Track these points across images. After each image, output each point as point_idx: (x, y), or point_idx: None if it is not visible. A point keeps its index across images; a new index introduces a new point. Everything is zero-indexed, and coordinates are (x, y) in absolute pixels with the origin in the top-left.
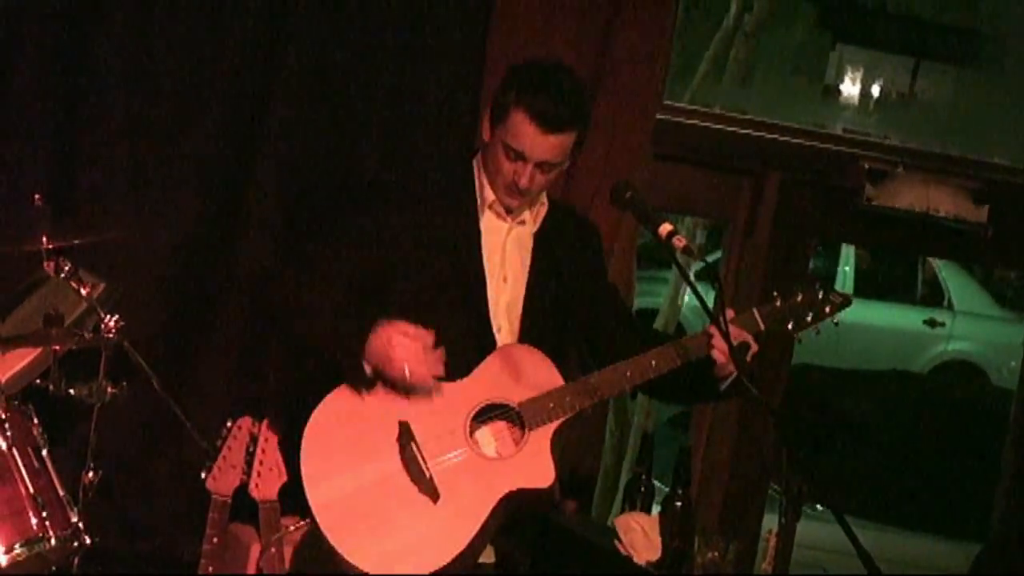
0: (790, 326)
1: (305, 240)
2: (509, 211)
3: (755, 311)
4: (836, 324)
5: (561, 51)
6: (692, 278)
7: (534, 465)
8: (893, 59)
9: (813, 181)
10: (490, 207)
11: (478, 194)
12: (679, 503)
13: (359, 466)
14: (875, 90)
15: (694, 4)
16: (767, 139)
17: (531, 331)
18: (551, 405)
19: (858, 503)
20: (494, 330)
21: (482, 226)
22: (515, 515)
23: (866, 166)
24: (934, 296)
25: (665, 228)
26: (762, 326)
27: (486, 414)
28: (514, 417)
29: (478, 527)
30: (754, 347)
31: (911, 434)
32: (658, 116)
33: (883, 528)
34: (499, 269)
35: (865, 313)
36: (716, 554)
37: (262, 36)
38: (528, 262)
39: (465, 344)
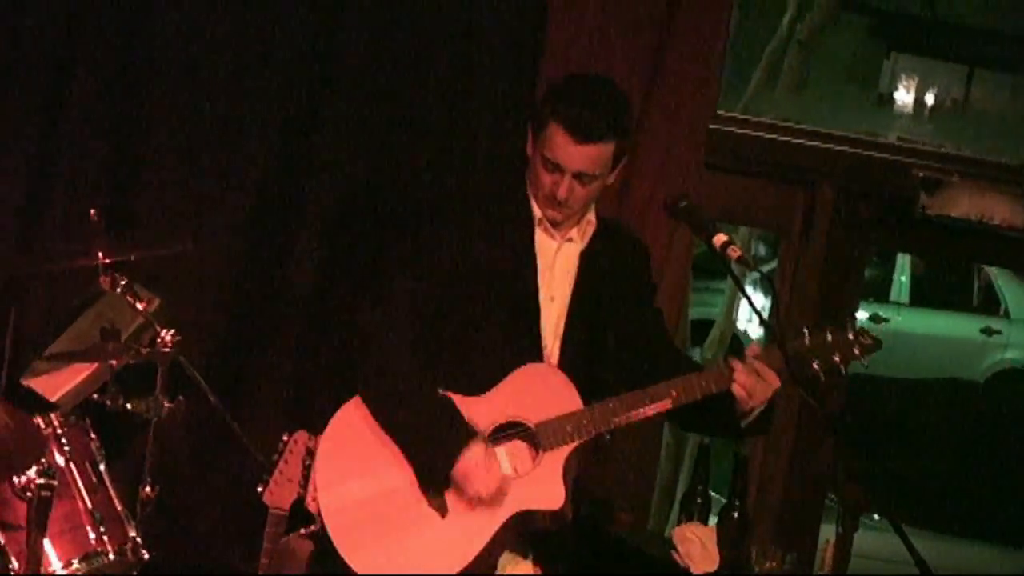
0: (816, 366)
1: (365, 271)
2: (555, 224)
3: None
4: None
5: (616, 63)
6: (747, 288)
7: (545, 486)
8: (947, 67)
9: (867, 190)
10: (539, 224)
11: (530, 211)
12: (736, 514)
13: (372, 475)
14: (929, 98)
15: (747, 13)
16: (821, 148)
17: (570, 351)
18: (568, 428)
19: (915, 512)
20: (544, 349)
21: (537, 244)
22: (524, 533)
23: (920, 175)
24: (990, 304)
25: (720, 238)
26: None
27: (504, 432)
28: (530, 437)
29: (483, 544)
30: (776, 383)
31: (968, 443)
32: (711, 126)
33: (940, 537)
34: (548, 288)
35: (921, 322)
36: (773, 564)
37: (314, 47)
38: (573, 281)
39: (516, 362)
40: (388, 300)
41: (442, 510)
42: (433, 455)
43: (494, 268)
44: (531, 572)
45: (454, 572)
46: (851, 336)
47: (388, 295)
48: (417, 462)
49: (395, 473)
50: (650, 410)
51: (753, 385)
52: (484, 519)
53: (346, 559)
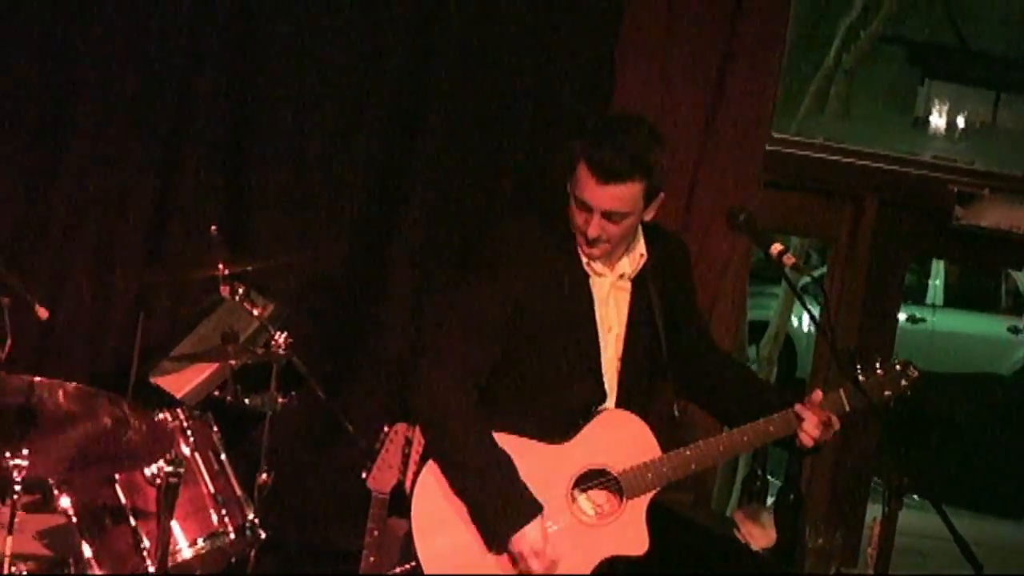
0: (872, 400)
1: (441, 328)
2: (593, 260)
3: (841, 392)
4: (913, 320)
5: (680, 90)
6: (800, 292)
7: (630, 533)
8: (976, 92)
9: (907, 203)
10: (589, 267)
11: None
12: (791, 496)
13: (467, 524)
14: (960, 121)
15: (798, 46)
16: (864, 166)
17: (629, 379)
18: (649, 476)
19: (953, 493)
20: (605, 385)
21: (592, 283)
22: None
23: (955, 189)
24: (1016, 306)
25: (776, 247)
26: (847, 408)
27: (588, 480)
28: (613, 485)
29: None
30: (836, 426)
31: (997, 430)
32: (768, 148)
33: (975, 515)
34: (606, 321)
35: (955, 322)
36: (825, 541)
37: (413, 64)
38: (626, 311)
39: (579, 400)
40: (447, 348)
41: None
42: (492, 523)
43: (553, 311)
44: None
45: None
46: (898, 368)
47: (449, 342)
48: (480, 525)
49: None
50: (724, 456)
51: (820, 435)
52: (575, 566)
53: None
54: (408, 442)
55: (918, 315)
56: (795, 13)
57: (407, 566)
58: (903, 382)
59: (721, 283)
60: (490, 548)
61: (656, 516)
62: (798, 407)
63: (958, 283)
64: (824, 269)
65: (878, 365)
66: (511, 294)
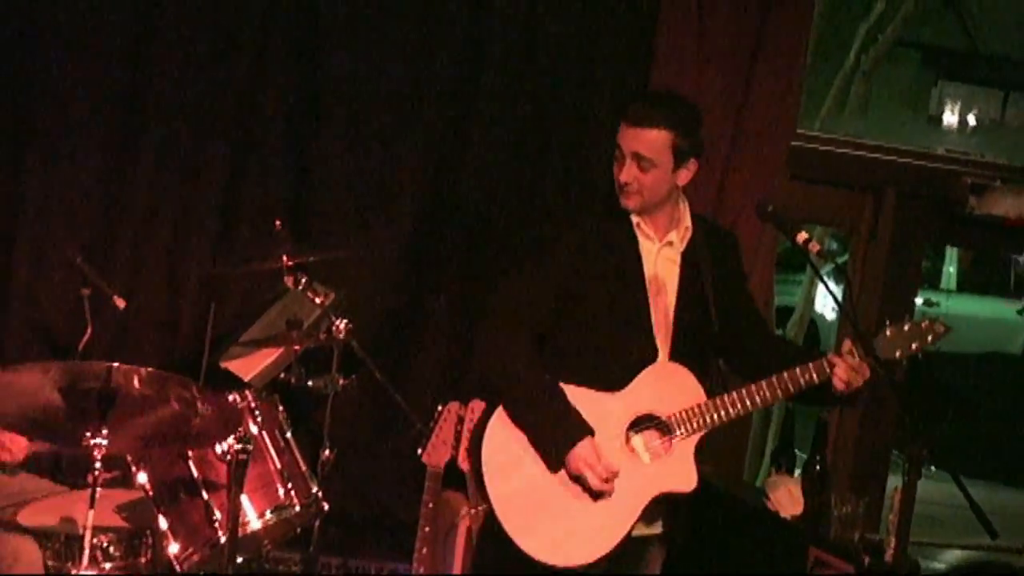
0: (898, 354)
1: (500, 299)
2: (636, 213)
3: (873, 341)
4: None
5: (712, 96)
6: (824, 277)
7: (680, 471)
8: (986, 92)
9: (924, 194)
10: (638, 229)
11: (631, 222)
12: (817, 467)
13: (532, 465)
14: (971, 118)
15: (820, 49)
16: (884, 160)
17: (681, 341)
18: (696, 419)
19: (968, 464)
20: (656, 342)
21: (641, 249)
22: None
23: (968, 181)
24: None
25: (802, 236)
26: (878, 354)
27: (641, 424)
28: (664, 428)
29: (630, 524)
30: (866, 373)
31: (1010, 404)
32: (793, 143)
33: (990, 485)
34: (655, 285)
35: (968, 305)
36: (849, 509)
37: (463, 71)
38: (677, 279)
39: (633, 355)
40: (506, 308)
41: (594, 494)
42: (549, 446)
43: (606, 272)
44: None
45: (608, 549)
46: (924, 325)
47: (507, 304)
48: (541, 451)
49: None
50: (764, 402)
51: (851, 379)
52: (629, 502)
53: (516, 541)
54: (460, 420)
55: (933, 299)
56: (816, 19)
57: (480, 507)
58: (930, 337)
59: (751, 271)
60: (552, 471)
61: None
62: (831, 355)
63: (971, 269)
64: (847, 257)
65: (906, 321)
66: (565, 258)
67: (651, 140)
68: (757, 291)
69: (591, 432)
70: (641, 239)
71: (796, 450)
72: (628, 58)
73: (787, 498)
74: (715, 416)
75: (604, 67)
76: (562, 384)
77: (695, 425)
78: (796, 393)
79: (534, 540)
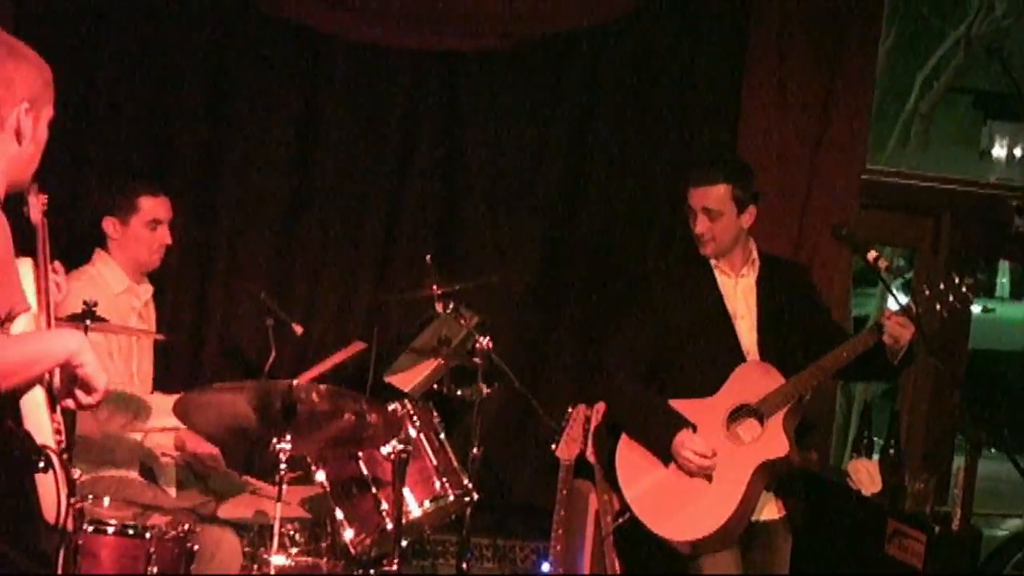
0: (939, 308)
1: (611, 344)
2: (715, 258)
3: (911, 302)
4: (985, 310)
5: (791, 135)
6: (893, 290)
7: (773, 441)
8: None
9: (976, 216)
10: (716, 269)
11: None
12: (892, 451)
13: (652, 467)
14: (1017, 152)
15: (884, 96)
16: (941, 189)
17: (766, 353)
18: (778, 398)
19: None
20: (748, 356)
21: (720, 283)
22: (773, 479)
23: (1015, 203)
24: None
25: (872, 254)
26: (916, 310)
27: (737, 413)
28: (755, 412)
29: (742, 494)
30: (911, 327)
31: None
32: (863, 176)
33: None
34: (736, 311)
35: (1019, 311)
36: (920, 486)
37: (579, 134)
38: (755, 304)
39: (727, 369)
40: (616, 349)
41: (708, 477)
42: (657, 443)
43: (694, 308)
44: (777, 512)
45: (727, 517)
46: (957, 280)
47: (616, 346)
48: (653, 451)
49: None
50: (830, 369)
51: (899, 331)
52: (737, 475)
53: (655, 530)
54: (587, 419)
55: (989, 306)
56: (879, 70)
57: (623, 518)
58: (964, 289)
59: (830, 287)
60: (666, 464)
61: (790, 474)
62: (878, 319)
63: (1021, 280)
64: (911, 273)
65: (941, 281)
66: (659, 303)
67: (715, 195)
68: (837, 303)
69: (688, 425)
70: (720, 276)
71: (874, 437)
72: (719, 113)
73: (867, 478)
74: (793, 392)
75: (699, 122)
76: (670, 400)
77: (778, 403)
78: (857, 356)
79: (667, 525)
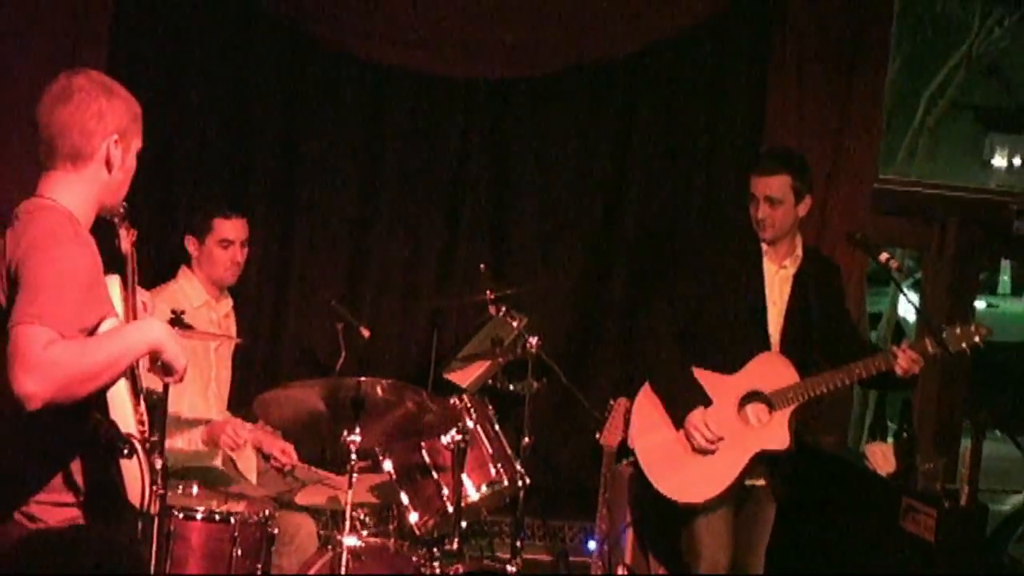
0: (963, 346)
1: (653, 304)
2: (770, 243)
3: (926, 341)
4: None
5: (809, 149)
6: (904, 289)
7: (776, 434)
8: None
9: (979, 220)
10: (765, 254)
11: (759, 247)
12: (905, 434)
13: (665, 427)
14: (1016, 161)
15: (894, 112)
16: (947, 196)
17: (788, 342)
18: (790, 394)
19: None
20: (771, 341)
21: (764, 269)
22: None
23: (1015, 207)
24: None
25: (883, 256)
26: (930, 350)
27: (749, 398)
28: (767, 401)
29: (739, 471)
30: (922, 363)
31: None
32: (875, 185)
33: None
34: (771, 297)
35: (1019, 307)
36: (931, 466)
37: (618, 141)
38: (788, 296)
39: (752, 349)
40: (657, 310)
41: (712, 449)
42: (675, 409)
43: (736, 284)
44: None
45: (719, 491)
46: (972, 328)
47: (658, 307)
48: (670, 413)
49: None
50: (842, 384)
51: (910, 366)
52: (737, 455)
53: (653, 483)
54: (628, 411)
55: (991, 302)
56: (888, 88)
57: (631, 460)
58: (976, 338)
59: (847, 285)
60: (678, 429)
61: (809, 454)
62: (894, 348)
63: (1022, 278)
64: (920, 273)
65: (958, 325)
66: (706, 277)
67: (777, 183)
68: (853, 302)
69: (706, 403)
70: (766, 262)
71: (888, 421)
72: (745, 134)
73: (883, 460)
74: (805, 393)
75: (727, 144)
76: (693, 366)
77: (789, 399)
78: (868, 377)
79: (666, 483)
